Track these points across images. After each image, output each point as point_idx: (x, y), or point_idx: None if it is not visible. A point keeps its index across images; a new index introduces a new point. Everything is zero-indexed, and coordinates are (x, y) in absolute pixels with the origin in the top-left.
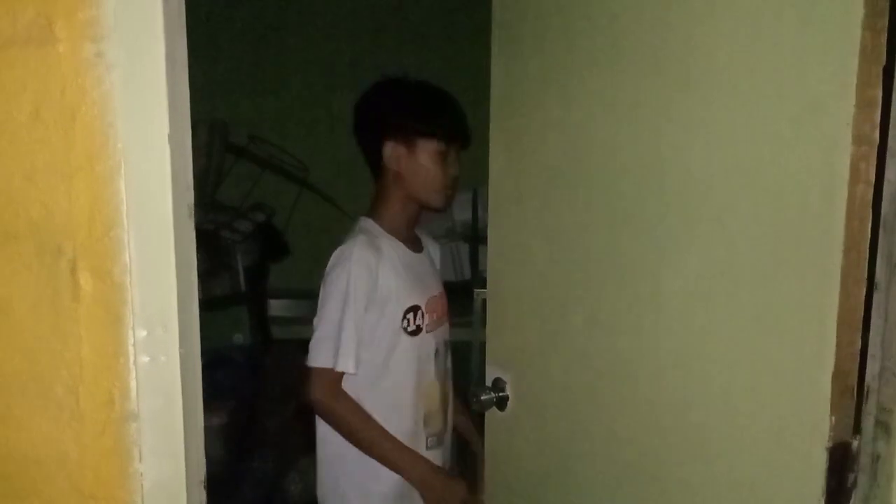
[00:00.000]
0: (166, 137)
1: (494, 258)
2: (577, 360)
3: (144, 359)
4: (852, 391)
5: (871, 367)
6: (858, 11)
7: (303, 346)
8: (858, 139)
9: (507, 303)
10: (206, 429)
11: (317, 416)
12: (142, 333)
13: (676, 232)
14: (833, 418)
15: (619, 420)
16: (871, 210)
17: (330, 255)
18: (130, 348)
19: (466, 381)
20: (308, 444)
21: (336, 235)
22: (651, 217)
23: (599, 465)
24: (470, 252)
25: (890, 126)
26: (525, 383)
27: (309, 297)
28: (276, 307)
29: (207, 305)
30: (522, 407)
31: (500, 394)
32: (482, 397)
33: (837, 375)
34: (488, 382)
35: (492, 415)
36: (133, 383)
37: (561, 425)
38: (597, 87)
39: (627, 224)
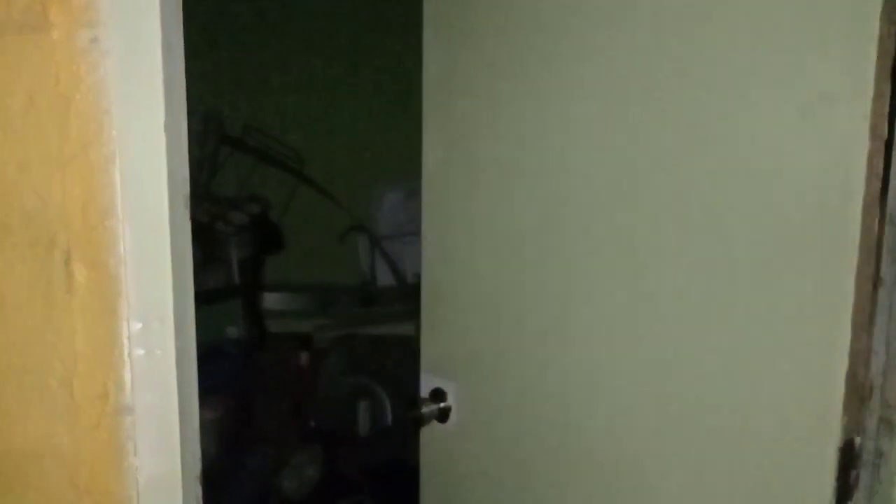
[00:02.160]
0: (162, 125)
1: (430, 259)
2: (539, 367)
3: (139, 352)
4: (860, 389)
5: (875, 365)
6: (877, 1)
7: (297, 339)
8: (875, 134)
9: (448, 307)
10: (200, 423)
11: None
12: (137, 326)
13: (669, 230)
14: (845, 417)
15: (596, 429)
16: (879, 206)
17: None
18: (125, 341)
19: None
20: (302, 439)
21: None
22: (639, 216)
23: (568, 480)
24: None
25: None
26: (472, 393)
27: (304, 290)
28: (271, 300)
29: (201, 298)
30: (469, 418)
31: (442, 405)
32: (423, 410)
33: (850, 374)
34: (425, 393)
35: (430, 428)
36: (128, 376)
37: (519, 438)
38: (570, 72)
39: (608, 222)
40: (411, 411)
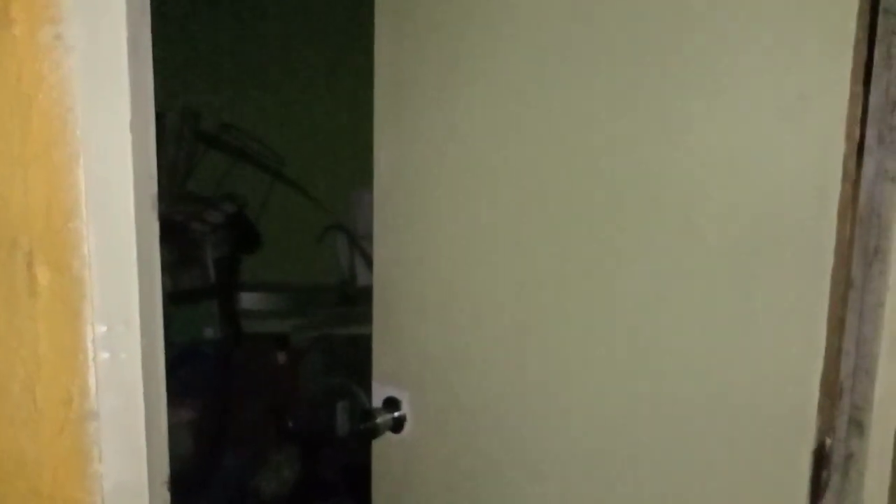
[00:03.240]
0: (128, 125)
1: (382, 261)
2: (497, 375)
3: (104, 356)
4: (832, 391)
5: (845, 366)
6: (853, 4)
7: (275, 340)
8: (849, 136)
9: (401, 311)
10: (175, 425)
11: None
12: (101, 329)
13: (641, 231)
14: (819, 420)
15: (558, 438)
16: (851, 208)
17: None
18: (90, 345)
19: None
20: (280, 440)
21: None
22: (608, 217)
23: (529, 491)
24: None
25: (868, 121)
26: (428, 401)
27: (281, 289)
28: (248, 300)
29: (176, 298)
30: (425, 428)
31: (396, 414)
32: (377, 420)
33: (824, 377)
34: (377, 402)
35: (383, 439)
36: (92, 381)
37: (477, 448)
38: (531, 70)
39: (573, 224)
40: (365, 423)
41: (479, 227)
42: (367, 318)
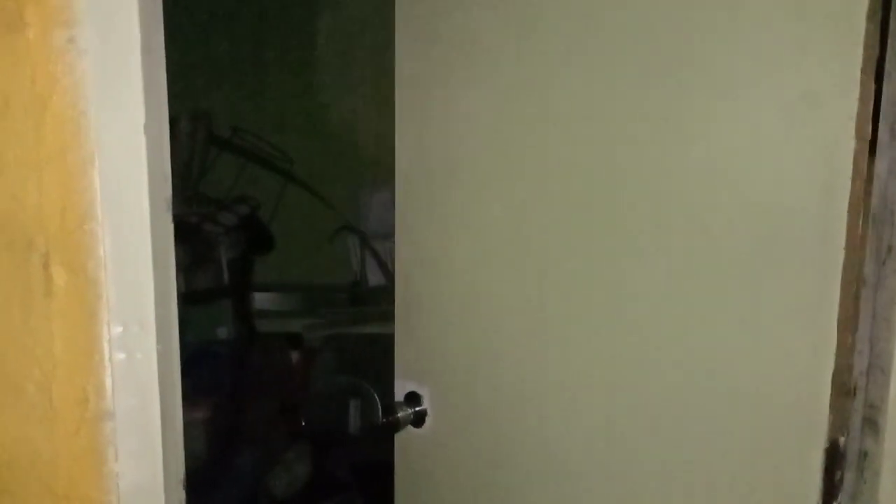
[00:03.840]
0: (142, 127)
1: (404, 258)
2: (516, 370)
3: (120, 356)
4: (845, 390)
5: (859, 365)
6: (863, 2)
7: (287, 339)
8: (860, 134)
9: (422, 308)
10: (189, 424)
11: None
12: (117, 330)
13: (652, 232)
14: (831, 418)
15: (575, 434)
16: (863, 206)
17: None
18: (105, 345)
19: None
20: (293, 438)
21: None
22: (620, 217)
23: (546, 486)
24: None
25: (881, 119)
26: (448, 396)
27: (294, 290)
28: (261, 300)
29: (190, 299)
30: (445, 423)
31: (417, 409)
32: (398, 414)
33: (836, 375)
34: (399, 397)
35: (405, 433)
36: (108, 381)
37: (497, 443)
38: (547, 70)
39: (587, 223)
40: (386, 417)
41: (498, 225)
42: (379, 317)
